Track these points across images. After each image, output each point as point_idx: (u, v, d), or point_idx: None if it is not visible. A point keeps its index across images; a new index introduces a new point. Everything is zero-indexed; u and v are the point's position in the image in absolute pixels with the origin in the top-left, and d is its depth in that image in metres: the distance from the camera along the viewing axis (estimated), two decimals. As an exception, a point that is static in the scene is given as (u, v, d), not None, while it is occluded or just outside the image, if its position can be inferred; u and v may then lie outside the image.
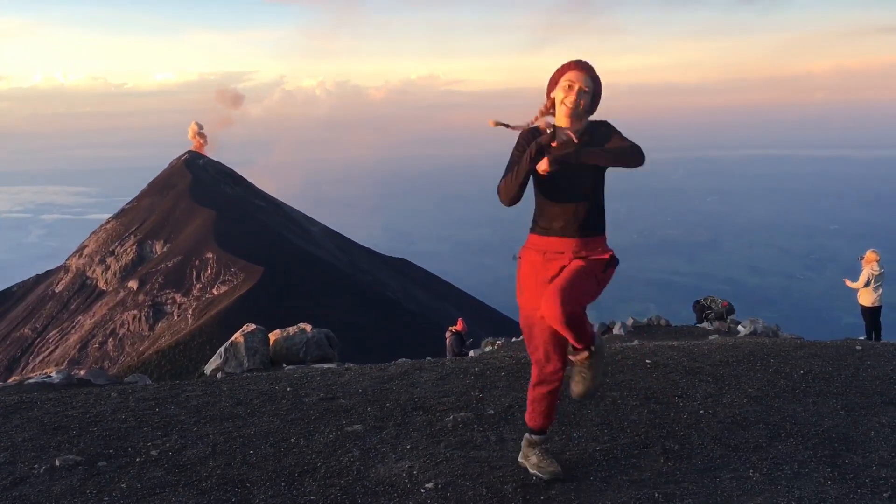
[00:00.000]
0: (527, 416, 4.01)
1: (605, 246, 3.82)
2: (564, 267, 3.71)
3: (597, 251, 3.75)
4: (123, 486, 3.92)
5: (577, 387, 3.95)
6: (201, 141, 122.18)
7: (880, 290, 13.31)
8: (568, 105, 3.65)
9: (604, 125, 3.78)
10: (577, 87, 3.64)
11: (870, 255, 13.24)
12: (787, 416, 5.03)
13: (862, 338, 12.97)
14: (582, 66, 3.68)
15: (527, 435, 4.04)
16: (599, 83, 3.73)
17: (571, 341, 3.74)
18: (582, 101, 3.65)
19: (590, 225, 3.74)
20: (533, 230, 3.85)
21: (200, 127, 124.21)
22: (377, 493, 3.78)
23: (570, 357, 3.89)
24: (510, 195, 3.65)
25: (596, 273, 3.73)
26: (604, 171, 3.75)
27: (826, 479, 3.97)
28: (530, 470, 3.95)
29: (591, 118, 3.79)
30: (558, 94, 3.70)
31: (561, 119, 3.72)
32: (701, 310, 18.49)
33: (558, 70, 3.74)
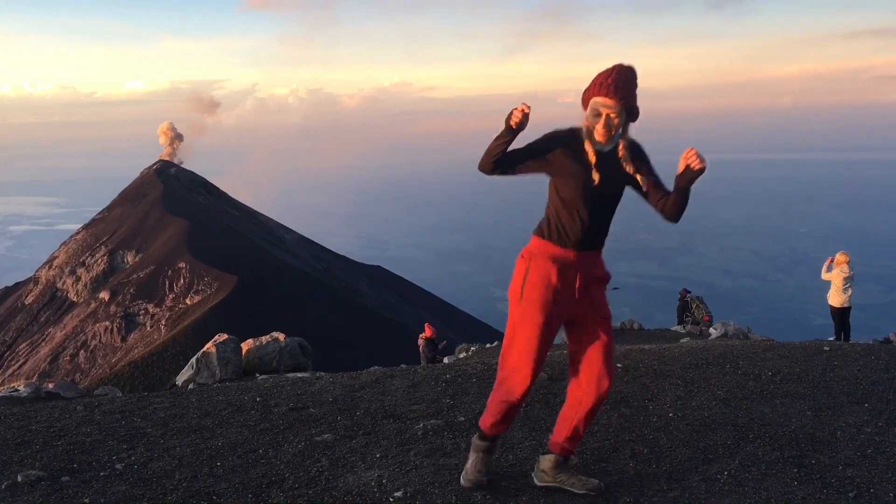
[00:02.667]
0: (482, 419, 3.92)
1: (602, 261, 3.84)
2: (578, 287, 3.69)
3: (600, 268, 3.79)
4: (87, 500, 3.85)
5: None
6: (177, 143, 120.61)
7: (850, 292, 13.50)
8: (599, 136, 3.54)
9: (640, 147, 3.68)
10: (604, 116, 3.50)
11: (840, 257, 13.43)
12: (755, 418, 5.07)
13: (831, 338, 13.13)
14: (609, 91, 3.47)
15: (475, 436, 3.96)
16: (632, 93, 3.52)
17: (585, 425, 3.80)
18: (613, 127, 3.53)
19: (599, 240, 3.74)
20: (549, 238, 3.69)
21: (174, 128, 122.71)
22: (345, 503, 3.75)
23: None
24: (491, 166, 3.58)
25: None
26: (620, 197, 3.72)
27: (793, 480, 4.00)
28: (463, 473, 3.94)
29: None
30: (589, 117, 3.56)
31: (599, 138, 3.58)
32: (685, 307, 18.47)
33: (589, 88, 3.56)
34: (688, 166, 3.44)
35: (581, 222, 3.63)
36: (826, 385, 6.03)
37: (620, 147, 3.60)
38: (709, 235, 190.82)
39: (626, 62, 3.55)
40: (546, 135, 3.66)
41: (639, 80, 3.55)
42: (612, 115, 3.49)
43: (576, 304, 3.71)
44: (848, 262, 13.40)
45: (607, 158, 3.61)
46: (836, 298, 13.54)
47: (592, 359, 3.72)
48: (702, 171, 3.45)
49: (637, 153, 3.65)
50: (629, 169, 3.61)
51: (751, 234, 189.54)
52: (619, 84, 3.47)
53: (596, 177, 3.56)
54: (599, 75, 3.53)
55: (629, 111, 3.55)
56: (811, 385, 6.02)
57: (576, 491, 3.81)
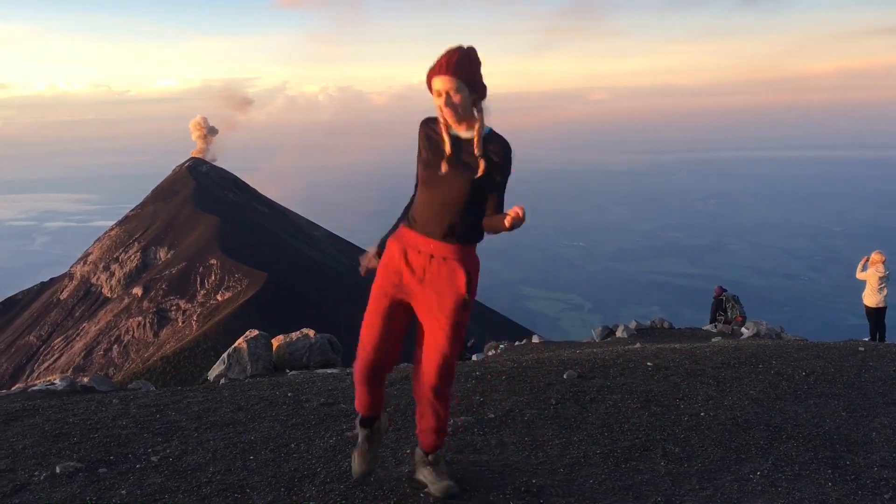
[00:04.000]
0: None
1: (466, 255, 3.57)
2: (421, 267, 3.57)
3: (454, 261, 3.53)
4: (123, 492, 3.92)
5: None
6: (210, 138, 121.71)
7: (885, 291, 13.31)
8: (447, 118, 3.45)
9: (502, 148, 3.48)
10: (443, 95, 3.38)
11: (875, 256, 13.25)
12: (789, 418, 5.02)
13: (866, 339, 12.95)
14: (442, 69, 3.36)
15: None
16: (470, 69, 3.37)
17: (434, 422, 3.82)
18: (456, 105, 3.40)
19: (453, 231, 3.52)
20: (407, 223, 3.65)
21: (207, 122, 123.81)
22: (377, 498, 3.78)
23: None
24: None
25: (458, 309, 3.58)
26: (483, 189, 3.49)
27: (827, 481, 3.96)
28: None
29: (490, 125, 3.50)
30: (436, 102, 3.45)
31: (452, 125, 3.49)
32: (720, 305, 18.21)
33: (428, 73, 3.44)
34: (514, 222, 3.33)
35: (430, 207, 3.52)
36: (861, 386, 5.95)
37: (475, 134, 3.45)
38: (740, 233, 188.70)
39: (467, 45, 3.41)
40: (422, 134, 3.60)
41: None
42: (451, 93, 3.37)
43: (417, 290, 3.59)
44: (884, 262, 13.21)
45: (467, 146, 3.47)
46: (871, 298, 13.36)
47: (420, 358, 3.75)
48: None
49: (496, 151, 3.46)
50: (479, 161, 3.42)
51: (783, 233, 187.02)
52: (454, 60, 3.35)
53: (444, 167, 3.46)
54: (438, 57, 3.40)
55: (472, 88, 3.40)
56: (846, 386, 5.95)
57: (430, 489, 3.83)
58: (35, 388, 8.16)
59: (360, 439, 3.96)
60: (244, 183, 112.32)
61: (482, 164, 3.43)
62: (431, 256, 3.54)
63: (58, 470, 4.21)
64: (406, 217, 3.69)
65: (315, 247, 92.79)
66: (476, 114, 3.46)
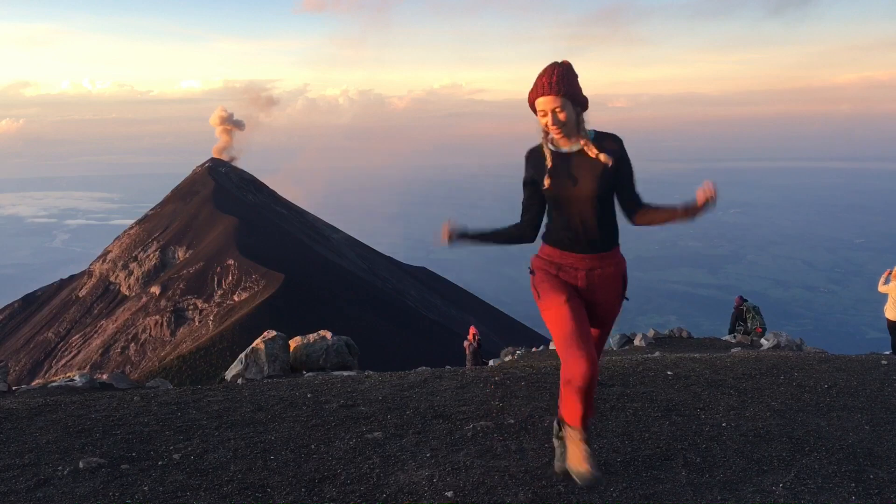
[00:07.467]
0: (566, 413, 3.86)
1: (618, 258, 3.82)
2: (581, 285, 3.79)
3: (610, 266, 3.78)
4: (146, 488, 3.95)
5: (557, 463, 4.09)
6: (234, 130, 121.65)
7: (908, 305, 13.14)
8: (554, 134, 3.65)
9: (614, 142, 3.67)
10: (549, 113, 3.59)
11: (899, 270, 13.10)
12: (811, 431, 4.97)
13: (888, 352, 12.80)
14: (544, 90, 3.56)
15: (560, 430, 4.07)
16: (571, 84, 3.56)
17: (578, 412, 3.71)
18: (563, 122, 3.59)
19: (595, 242, 3.72)
20: (547, 240, 3.87)
21: (231, 116, 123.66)
22: (397, 501, 3.78)
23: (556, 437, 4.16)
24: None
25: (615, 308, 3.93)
26: (609, 191, 3.68)
27: (850, 495, 3.92)
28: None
29: (596, 128, 3.72)
30: (540, 121, 3.68)
31: (560, 141, 3.69)
32: (740, 315, 18.01)
33: (531, 92, 3.64)
34: (707, 202, 3.52)
35: (564, 225, 3.72)
36: (884, 400, 5.88)
37: (582, 143, 3.64)
38: (760, 244, 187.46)
39: (560, 59, 3.63)
40: (525, 163, 3.81)
41: (578, 72, 3.61)
42: (557, 111, 3.56)
43: (588, 299, 3.81)
44: (908, 275, 13.05)
45: (574, 159, 3.64)
46: (893, 312, 13.21)
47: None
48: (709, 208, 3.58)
49: (612, 148, 3.64)
50: (604, 159, 3.59)
51: (804, 244, 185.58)
52: (555, 80, 3.54)
53: (546, 182, 3.65)
54: (538, 77, 3.60)
55: (574, 102, 3.59)
56: (869, 399, 5.88)
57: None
58: (54, 384, 8.24)
59: (581, 445, 3.80)
60: (263, 184, 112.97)
61: (603, 158, 3.59)
62: (590, 270, 3.75)
63: (81, 465, 4.25)
64: (546, 239, 3.86)
65: (332, 249, 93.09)
66: (581, 125, 3.64)
